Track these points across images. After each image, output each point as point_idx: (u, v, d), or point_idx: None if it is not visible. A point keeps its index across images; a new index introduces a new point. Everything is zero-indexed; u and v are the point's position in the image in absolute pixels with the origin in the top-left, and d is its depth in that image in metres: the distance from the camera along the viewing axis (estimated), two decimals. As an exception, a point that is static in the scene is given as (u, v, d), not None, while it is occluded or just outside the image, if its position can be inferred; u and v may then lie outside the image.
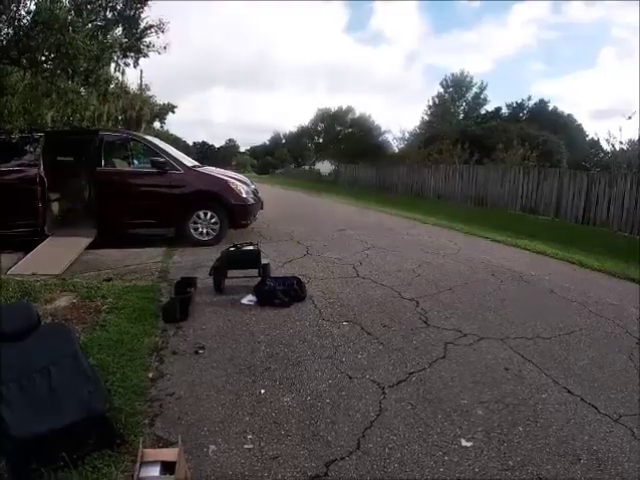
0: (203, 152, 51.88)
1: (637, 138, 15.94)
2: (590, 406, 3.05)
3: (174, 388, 3.12)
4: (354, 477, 2.34)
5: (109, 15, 7.68)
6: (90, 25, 7.26)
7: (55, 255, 6.34)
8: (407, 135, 35.06)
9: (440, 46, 77.47)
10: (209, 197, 7.70)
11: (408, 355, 3.69)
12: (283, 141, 53.42)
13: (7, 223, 6.85)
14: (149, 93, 25.55)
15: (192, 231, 7.65)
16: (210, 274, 5.15)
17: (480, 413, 2.93)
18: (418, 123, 38.86)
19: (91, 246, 7.08)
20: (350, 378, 3.31)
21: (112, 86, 11.26)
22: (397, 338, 4.01)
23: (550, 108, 37.32)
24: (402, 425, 2.78)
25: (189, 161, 8.50)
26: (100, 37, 7.30)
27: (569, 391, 3.23)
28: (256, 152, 60.10)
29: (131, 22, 7.92)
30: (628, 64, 66.97)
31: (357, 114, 41.84)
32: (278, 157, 50.36)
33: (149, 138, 8.73)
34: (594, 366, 3.63)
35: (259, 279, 5.02)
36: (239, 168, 40.20)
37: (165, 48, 8.54)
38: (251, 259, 5.17)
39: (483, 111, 40.32)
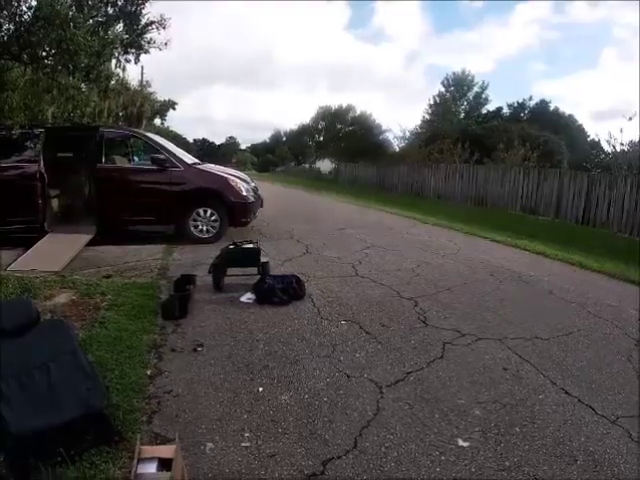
0: (204, 149, 51.71)
1: (638, 139, 15.97)
2: (587, 407, 3.06)
3: (172, 385, 3.13)
4: (351, 476, 2.35)
5: (110, 11, 7.70)
6: (91, 21, 7.26)
7: (55, 252, 6.35)
8: (408, 134, 34.94)
9: (442, 46, 77.10)
10: (209, 195, 7.70)
11: (406, 355, 3.70)
12: (284, 139, 53.29)
13: (7, 219, 6.85)
14: (150, 90, 25.60)
15: (192, 228, 7.65)
16: (209, 272, 5.16)
17: (477, 413, 2.94)
18: (419, 122, 38.78)
19: (91, 243, 7.08)
20: (348, 377, 3.32)
21: (113, 82, 11.28)
22: (395, 337, 4.02)
23: (551, 108, 37.23)
24: (399, 424, 2.78)
25: (189, 158, 8.50)
26: (101, 33, 7.31)
27: (567, 392, 3.24)
28: (257, 150, 59.97)
29: (132, 18, 7.92)
30: (630, 65, 66.90)
31: (358, 112, 41.76)
32: (278, 155, 50.25)
33: (149, 135, 8.74)
34: (592, 367, 3.64)
35: (258, 277, 5.02)
36: (239, 165, 40.09)
37: (166, 44, 8.55)
38: (250, 257, 5.18)
39: (484, 111, 40.19)
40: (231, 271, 5.16)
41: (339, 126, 42.70)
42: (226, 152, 56.05)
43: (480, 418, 2.88)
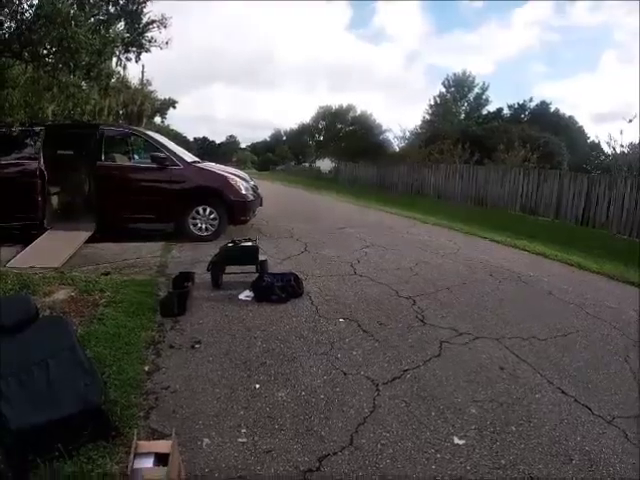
0: (204, 148, 51.71)
1: (638, 141, 15.98)
2: (584, 407, 3.08)
3: (170, 381, 3.14)
4: (347, 472, 2.36)
5: (111, 10, 7.68)
6: (92, 19, 7.25)
7: (54, 248, 6.36)
8: (408, 134, 34.91)
9: (442, 46, 77.09)
10: (209, 193, 7.71)
11: (403, 353, 3.71)
12: (284, 138, 53.33)
13: (7, 216, 6.86)
14: (150, 88, 25.61)
15: (191, 227, 7.66)
16: (208, 269, 5.17)
17: (473, 412, 2.95)
18: (419, 122, 38.75)
19: (90, 240, 7.10)
20: (345, 374, 3.33)
21: (113, 81, 11.27)
22: (393, 336, 4.03)
23: (552, 110, 37.21)
24: (395, 422, 2.79)
25: (189, 157, 8.50)
26: (102, 31, 7.30)
27: (563, 392, 3.25)
28: (257, 148, 59.99)
29: (133, 17, 7.91)
30: (630, 68, 66.89)
31: (358, 112, 41.78)
32: (279, 154, 50.27)
33: (150, 133, 8.73)
34: (589, 368, 3.65)
35: (257, 275, 5.04)
36: (239, 164, 40.08)
37: (167, 43, 8.54)
38: (249, 255, 5.19)
39: (484, 111, 40.16)
40: (230, 269, 5.18)
41: (339, 126, 42.72)
42: (226, 151, 56.05)
43: (476, 416, 2.90)
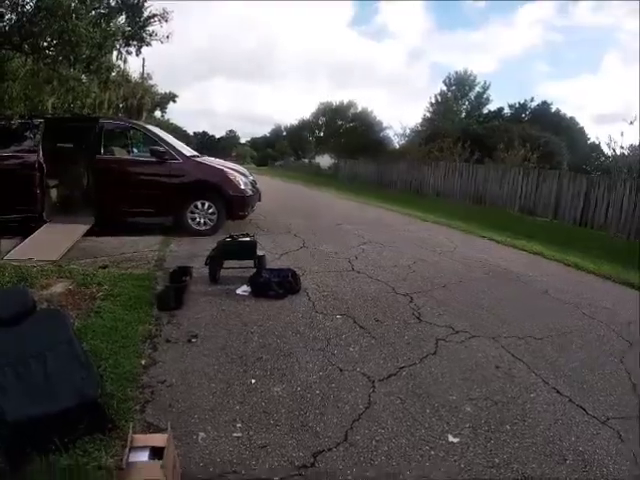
0: (203, 142, 51.70)
1: (638, 143, 15.98)
2: (578, 407, 3.08)
3: (166, 375, 3.15)
4: (341, 468, 2.37)
5: (112, 3, 7.66)
6: (93, 12, 7.23)
7: (52, 241, 6.36)
8: (408, 131, 34.88)
9: (445, 44, 77.25)
10: (207, 187, 7.71)
11: (399, 350, 3.72)
12: (284, 133, 53.24)
13: (5, 208, 6.85)
14: (151, 82, 25.52)
15: (189, 221, 7.67)
16: (206, 264, 5.18)
17: (468, 410, 2.96)
18: (420, 120, 38.73)
19: (88, 233, 7.10)
20: (341, 370, 3.34)
21: (114, 74, 11.26)
22: (389, 333, 4.03)
23: (553, 110, 37.22)
24: (390, 419, 2.80)
25: (188, 151, 8.51)
26: (103, 25, 7.28)
27: (558, 392, 3.25)
28: (256, 144, 59.96)
29: (134, 10, 7.88)
30: (633, 69, 66.76)
31: (359, 109, 41.72)
32: (278, 149, 50.23)
33: (149, 127, 8.73)
34: (585, 368, 3.65)
35: (254, 270, 5.04)
36: (239, 159, 40.05)
37: (168, 37, 8.51)
38: (247, 250, 5.20)
39: (485, 110, 40.19)
40: (227, 264, 5.18)
41: (340, 122, 42.65)
42: (226, 145, 56.08)
43: (471, 415, 2.90)
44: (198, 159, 8.27)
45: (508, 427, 2.80)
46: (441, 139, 23.39)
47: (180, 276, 4.79)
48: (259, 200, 8.81)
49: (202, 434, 2.57)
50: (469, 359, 3.64)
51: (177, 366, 3.29)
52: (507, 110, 38.91)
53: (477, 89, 41.10)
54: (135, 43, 8.33)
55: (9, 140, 7.31)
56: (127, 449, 2.02)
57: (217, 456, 2.41)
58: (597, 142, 26.77)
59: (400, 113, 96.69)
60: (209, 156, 9.55)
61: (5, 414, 2.24)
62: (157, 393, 2.94)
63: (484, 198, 16.36)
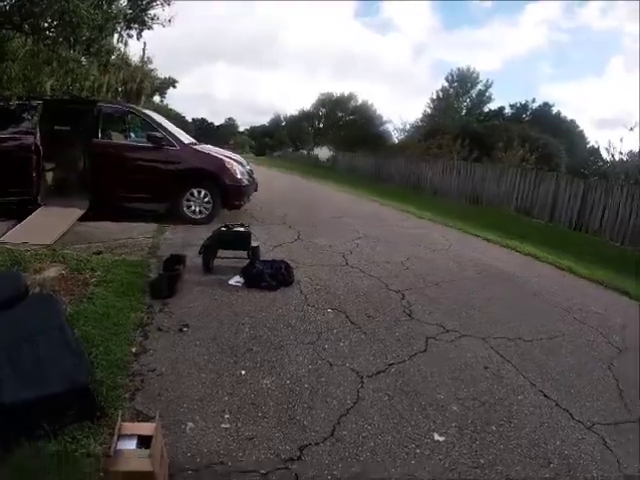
0: (202, 129, 51.36)
1: (638, 150, 16.00)
2: (565, 411, 3.11)
3: (156, 364, 3.16)
4: (327, 463, 2.40)
5: (115, -15, 7.60)
6: (95, -6, 7.17)
7: (47, 225, 6.33)
8: (408, 127, 34.84)
9: (450, 41, 76.50)
10: (204, 175, 7.68)
11: (389, 346, 3.74)
12: (283, 123, 53.01)
13: (0, 191, 6.80)
14: (151, 66, 25.26)
15: (185, 209, 7.65)
16: (200, 253, 5.18)
17: (455, 409, 2.99)
18: (420, 115, 38.63)
19: (84, 218, 7.06)
20: (330, 365, 3.36)
21: (114, 57, 11.19)
22: (380, 329, 4.06)
23: (554, 112, 37.22)
24: (377, 415, 2.83)
25: (186, 138, 8.45)
26: (105, 7, 7.22)
27: (545, 395, 3.29)
28: (255, 133, 59.59)
29: (137, -7, 7.84)
30: (634, 75, 66.67)
31: (360, 101, 41.56)
32: (277, 139, 49.98)
33: (147, 112, 8.66)
34: (572, 372, 3.68)
35: (248, 261, 5.05)
36: (236, 148, 39.86)
37: (170, 21, 8.47)
38: (241, 240, 5.20)
39: (486, 109, 40.11)
40: (221, 253, 5.18)
41: (340, 114, 42.49)
42: (225, 133, 55.75)
43: (458, 414, 2.93)
44: (196, 146, 8.23)
45: (494, 428, 2.83)
46: (440, 135, 23.39)
47: (174, 264, 4.78)
48: (255, 190, 8.79)
49: (190, 424, 2.58)
50: (458, 358, 3.67)
51: (168, 355, 3.30)
52: (508, 110, 38.89)
53: (479, 87, 40.99)
54: (136, 26, 8.29)
55: (6, 121, 7.24)
56: (115, 437, 2.03)
57: (204, 447, 2.42)
58: (596, 146, 26.78)
59: (401, 108, 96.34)
60: (207, 144, 9.50)
61: (2, 396, 2.25)
62: (147, 381, 2.95)
63: (481, 197, 16.33)
